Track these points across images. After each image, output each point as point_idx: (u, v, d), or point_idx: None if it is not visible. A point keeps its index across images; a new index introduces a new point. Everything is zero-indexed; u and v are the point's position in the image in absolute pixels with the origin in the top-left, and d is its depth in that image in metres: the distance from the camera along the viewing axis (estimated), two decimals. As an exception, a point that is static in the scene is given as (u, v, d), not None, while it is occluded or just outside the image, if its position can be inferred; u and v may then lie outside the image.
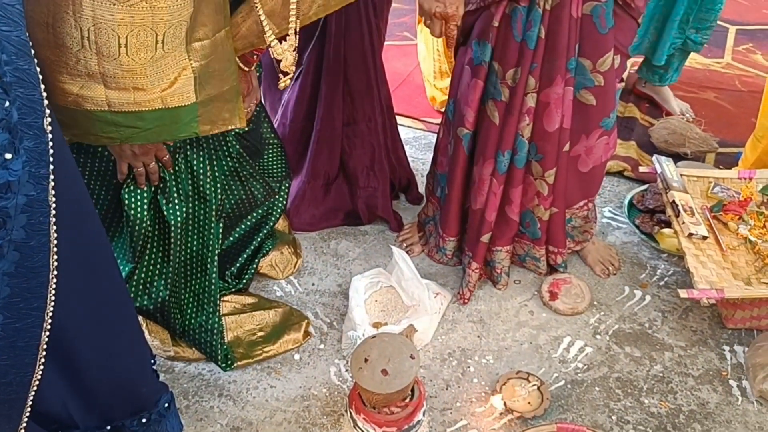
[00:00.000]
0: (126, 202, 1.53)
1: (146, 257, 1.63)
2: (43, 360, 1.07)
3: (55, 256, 1.03)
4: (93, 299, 1.17)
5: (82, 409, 1.24)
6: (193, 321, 1.70)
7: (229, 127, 1.41)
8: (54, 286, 1.04)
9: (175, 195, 1.58)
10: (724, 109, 2.94)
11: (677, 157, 2.54)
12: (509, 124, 1.77)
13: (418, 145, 2.74)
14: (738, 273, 1.75)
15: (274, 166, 1.95)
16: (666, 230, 2.15)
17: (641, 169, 2.24)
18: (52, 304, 1.04)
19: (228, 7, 1.30)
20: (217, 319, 1.69)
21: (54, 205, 1.00)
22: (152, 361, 1.42)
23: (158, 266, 1.63)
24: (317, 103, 2.10)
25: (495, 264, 2.03)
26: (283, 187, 1.96)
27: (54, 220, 1.01)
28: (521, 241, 2.05)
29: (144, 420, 1.37)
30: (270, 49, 1.43)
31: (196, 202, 1.65)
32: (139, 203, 1.54)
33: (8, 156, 0.89)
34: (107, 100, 1.20)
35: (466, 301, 2.00)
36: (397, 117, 2.66)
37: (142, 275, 1.62)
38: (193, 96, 1.28)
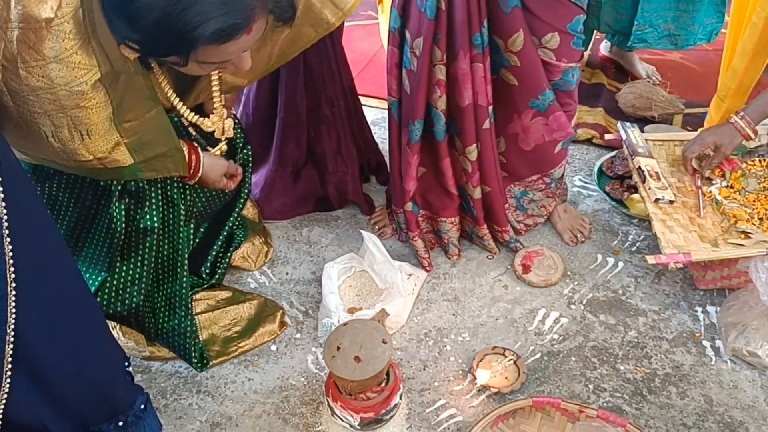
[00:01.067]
0: (116, 216, 1.54)
1: (118, 265, 1.61)
2: (9, 373, 1.07)
3: (12, 268, 1.02)
4: (57, 309, 1.15)
5: (56, 418, 1.24)
6: (166, 325, 1.69)
7: (173, 174, 1.53)
8: (14, 298, 1.03)
9: (153, 201, 1.57)
10: (690, 70, 2.94)
11: (645, 121, 2.55)
12: (418, 93, 1.78)
13: (387, 125, 2.71)
14: (705, 235, 1.76)
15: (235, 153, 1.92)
16: (636, 195, 2.16)
17: (607, 136, 2.25)
18: (14, 316, 1.03)
19: (156, 91, 1.38)
20: (189, 322, 1.68)
21: (6, 217, 0.99)
22: (126, 364, 1.41)
23: (130, 273, 1.61)
24: (278, 91, 2.07)
25: (442, 234, 2.05)
26: (245, 177, 1.92)
27: (7, 232, 1.00)
28: (466, 218, 2.06)
29: (121, 423, 1.36)
30: (199, 124, 1.54)
31: (166, 207, 1.63)
32: (122, 214, 1.55)
33: None
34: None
35: (428, 268, 2.01)
36: (365, 98, 2.65)
37: (115, 283, 1.60)
38: (131, 159, 1.35)
